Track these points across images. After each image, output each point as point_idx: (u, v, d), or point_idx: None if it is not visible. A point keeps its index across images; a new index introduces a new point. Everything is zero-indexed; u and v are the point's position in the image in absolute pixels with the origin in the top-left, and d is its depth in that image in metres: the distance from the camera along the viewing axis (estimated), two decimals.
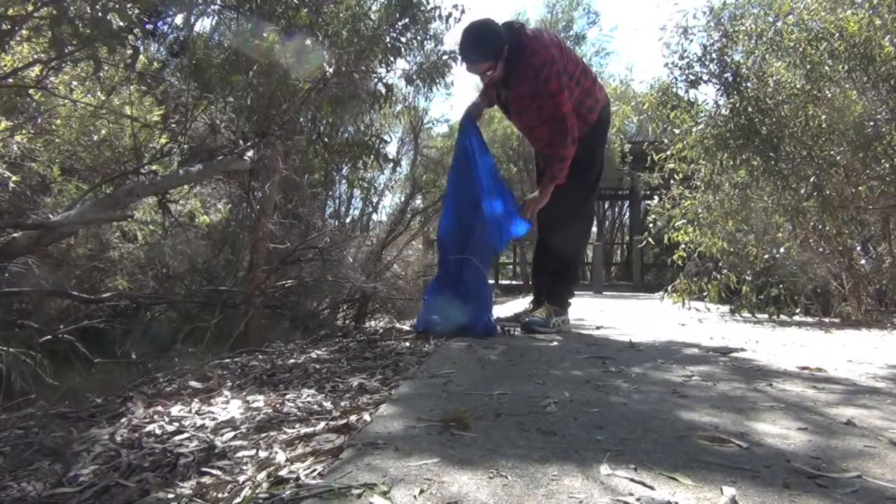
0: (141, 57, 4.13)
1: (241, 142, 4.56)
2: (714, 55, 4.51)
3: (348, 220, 10.68)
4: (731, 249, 4.75)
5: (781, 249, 4.61)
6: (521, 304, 4.34)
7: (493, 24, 2.46)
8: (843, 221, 4.34)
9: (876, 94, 4.04)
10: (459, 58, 2.89)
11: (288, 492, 0.86)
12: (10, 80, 3.35)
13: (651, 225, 5.88)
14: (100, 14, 2.40)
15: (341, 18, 4.72)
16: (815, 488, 0.84)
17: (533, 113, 2.59)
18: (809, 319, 4.36)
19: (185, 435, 1.31)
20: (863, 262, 4.46)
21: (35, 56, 3.46)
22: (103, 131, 4.38)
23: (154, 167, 4.35)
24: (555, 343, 2.37)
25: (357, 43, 4.62)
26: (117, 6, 2.44)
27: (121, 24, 2.53)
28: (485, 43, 2.43)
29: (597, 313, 4.30)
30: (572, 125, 2.50)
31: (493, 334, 2.49)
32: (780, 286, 4.55)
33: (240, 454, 1.14)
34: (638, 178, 10.81)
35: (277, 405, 1.49)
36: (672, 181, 5.25)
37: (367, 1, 5.18)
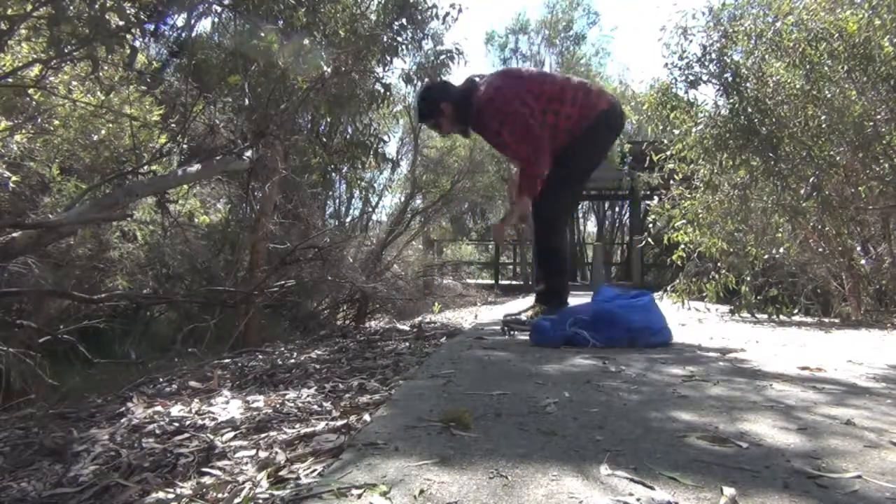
0: (140, 57, 4.13)
1: (239, 141, 4.56)
2: (713, 55, 4.51)
3: (348, 220, 10.68)
4: (731, 249, 4.75)
5: (781, 249, 4.60)
6: (522, 304, 4.35)
7: (427, 91, 2.93)
8: (843, 221, 4.34)
9: (875, 95, 4.04)
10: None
11: (288, 492, 0.86)
12: (10, 80, 3.34)
13: (651, 225, 5.88)
14: (98, 13, 2.40)
15: (339, 18, 4.72)
16: (816, 488, 0.84)
17: (495, 142, 2.85)
18: (809, 319, 4.36)
19: (185, 435, 1.31)
20: (863, 262, 4.46)
21: (34, 56, 3.46)
22: (102, 131, 4.38)
23: (153, 167, 4.35)
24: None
25: (355, 43, 4.62)
26: (115, 6, 2.44)
27: (119, 23, 2.53)
28: (420, 107, 2.89)
29: None
30: (540, 145, 2.61)
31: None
32: (780, 286, 4.55)
33: (240, 454, 1.14)
34: (638, 178, 10.80)
35: (277, 405, 1.49)
36: (672, 181, 5.25)
37: (364, 1, 5.18)
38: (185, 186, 4.67)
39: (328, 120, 5.53)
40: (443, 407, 1.23)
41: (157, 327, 5.84)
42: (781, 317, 4.29)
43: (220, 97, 4.69)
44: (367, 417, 1.23)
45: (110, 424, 1.54)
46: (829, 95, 4.15)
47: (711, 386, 1.54)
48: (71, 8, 2.48)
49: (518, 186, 2.79)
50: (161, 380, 2.31)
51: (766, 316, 4.35)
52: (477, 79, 2.80)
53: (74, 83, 4.08)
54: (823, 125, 4.17)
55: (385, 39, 4.80)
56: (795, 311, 4.53)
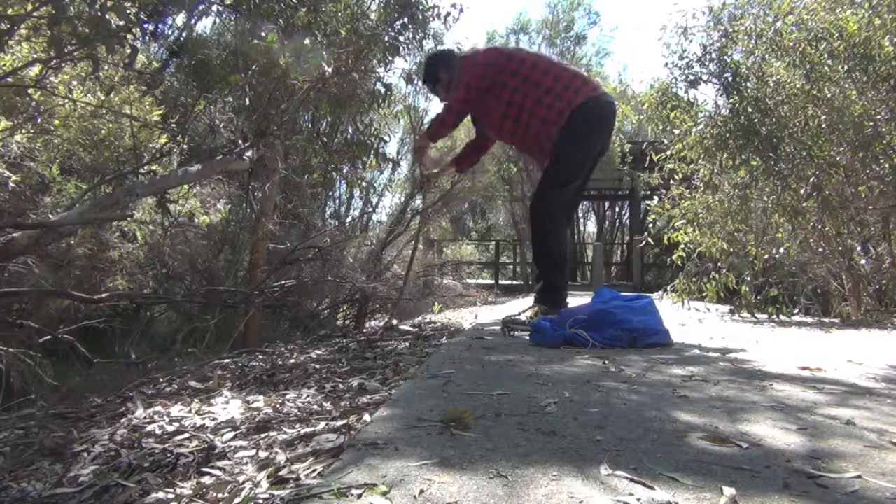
0: (141, 56, 4.13)
1: (240, 141, 4.56)
2: (714, 55, 4.51)
3: (348, 220, 10.66)
4: (731, 249, 4.75)
5: (781, 249, 4.60)
6: (522, 304, 4.35)
7: (432, 57, 3.13)
8: (843, 221, 4.34)
9: (875, 94, 4.04)
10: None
11: (288, 492, 0.86)
12: (10, 80, 3.34)
13: (651, 225, 5.88)
14: (98, 13, 2.40)
15: (340, 18, 4.72)
16: (815, 488, 0.84)
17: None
18: (809, 319, 4.36)
19: (185, 435, 1.31)
20: (863, 262, 4.46)
21: (34, 56, 3.46)
22: (103, 131, 4.38)
23: (153, 167, 4.35)
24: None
25: (356, 42, 4.63)
26: (115, 6, 2.44)
27: (119, 23, 2.53)
28: (425, 70, 3.09)
29: None
30: (459, 108, 2.85)
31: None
32: (780, 286, 4.55)
33: (240, 454, 1.14)
34: (638, 178, 10.81)
35: (277, 405, 1.49)
36: (672, 181, 5.25)
37: (365, 0, 5.18)
38: (185, 186, 4.67)
39: (329, 120, 5.54)
40: (443, 407, 1.23)
41: (157, 327, 5.84)
42: (781, 317, 4.29)
43: (221, 97, 4.69)
44: (367, 417, 1.23)
45: (110, 424, 1.54)
46: (829, 95, 4.15)
47: (711, 386, 1.54)
48: (71, 8, 2.48)
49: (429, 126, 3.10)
50: (161, 380, 2.31)
51: (766, 316, 4.35)
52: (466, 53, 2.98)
53: (74, 83, 4.08)
54: (823, 125, 4.17)
55: (386, 39, 4.80)
56: (795, 311, 4.53)
